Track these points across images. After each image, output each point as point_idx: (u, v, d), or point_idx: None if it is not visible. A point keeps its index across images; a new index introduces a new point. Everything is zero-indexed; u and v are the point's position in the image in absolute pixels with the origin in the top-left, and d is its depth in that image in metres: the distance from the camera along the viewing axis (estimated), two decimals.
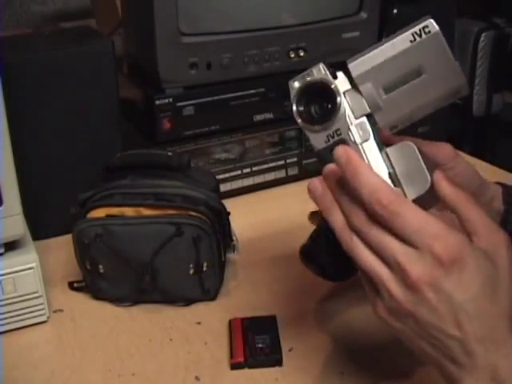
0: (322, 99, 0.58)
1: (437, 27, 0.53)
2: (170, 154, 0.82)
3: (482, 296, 0.49)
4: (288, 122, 1.05)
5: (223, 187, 0.96)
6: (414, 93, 0.54)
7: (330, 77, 0.57)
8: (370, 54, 0.55)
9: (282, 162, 1.07)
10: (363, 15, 1.04)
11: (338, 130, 0.57)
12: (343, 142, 0.56)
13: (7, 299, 0.73)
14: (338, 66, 0.58)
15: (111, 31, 1.09)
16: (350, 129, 0.56)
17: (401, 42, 0.54)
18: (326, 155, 0.57)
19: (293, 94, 0.60)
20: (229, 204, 0.83)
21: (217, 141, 1.01)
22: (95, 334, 0.75)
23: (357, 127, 0.56)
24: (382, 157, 0.55)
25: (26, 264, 0.73)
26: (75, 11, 1.44)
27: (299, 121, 0.59)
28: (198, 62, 0.94)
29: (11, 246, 0.74)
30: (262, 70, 1.00)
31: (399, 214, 0.49)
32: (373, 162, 0.55)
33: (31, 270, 0.74)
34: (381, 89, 0.55)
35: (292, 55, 1.01)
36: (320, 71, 0.58)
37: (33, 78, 0.85)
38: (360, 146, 0.55)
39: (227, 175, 1.03)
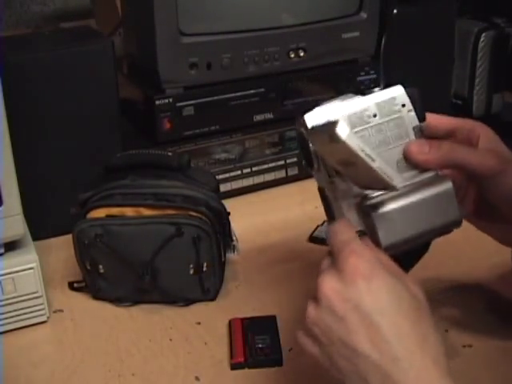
0: (305, 149, 0.59)
1: (341, 136, 0.48)
2: (170, 154, 0.82)
3: (394, 312, 0.48)
4: (288, 122, 1.06)
5: (223, 187, 0.96)
6: (359, 173, 0.53)
7: (308, 132, 0.57)
8: (314, 136, 0.55)
9: (282, 162, 1.07)
10: (363, 15, 1.04)
11: (321, 177, 0.58)
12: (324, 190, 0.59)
13: (7, 299, 0.73)
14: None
15: (111, 31, 1.09)
16: (324, 183, 0.58)
17: (322, 142, 0.51)
18: (321, 194, 0.60)
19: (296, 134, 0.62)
20: (229, 204, 0.83)
21: (217, 141, 1.01)
22: (95, 334, 0.75)
23: (328, 185, 0.57)
24: (351, 215, 0.56)
25: (26, 264, 0.73)
26: (75, 11, 1.44)
27: (303, 160, 0.62)
28: (198, 62, 0.94)
29: (11, 245, 0.74)
30: (261, 70, 1.00)
31: (335, 233, 0.53)
32: (341, 215, 0.57)
33: (31, 270, 0.74)
34: (336, 163, 0.55)
35: (292, 55, 1.01)
36: (303, 124, 0.58)
37: (33, 78, 0.85)
38: (332, 200, 0.58)
39: (227, 175, 1.03)
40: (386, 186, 0.52)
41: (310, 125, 0.55)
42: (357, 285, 0.49)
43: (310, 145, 0.57)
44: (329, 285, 0.50)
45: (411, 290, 0.50)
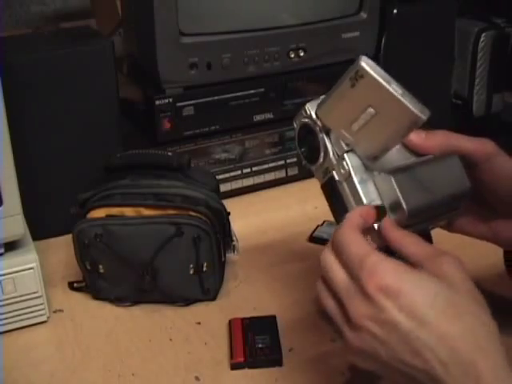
0: (310, 140, 0.61)
1: (368, 70, 0.52)
2: (169, 154, 0.82)
3: (433, 318, 0.47)
4: (288, 121, 1.05)
5: (223, 187, 0.96)
6: (377, 128, 0.54)
7: (314, 117, 0.59)
8: (327, 99, 0.57)
9: (282, 162, 1.07)
10: (363, 15, 1.04)
11: (327, 168, 0.60)
12: (332, 179, 0.59)
13: (7, 299, 0.73)
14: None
15: (111, 31, 1.09)
16: (334, 167, 0.59)
17: (345, 87, 0.54)
18: (326, 190, 0.61)
19: (294, 134, 0.63)
20: (229, 204, 0.83)
21: (217, 141, 1.01)
22: (95, 334, 0.75)
23: (339, 165, 0.58)
24: (365, 186, 0.57)
25: (26, 264, 0.73)
26: (75, 11, 1.44)
27: (302, 159, 0.63)
28: (198, 62, 0.94)
29: (11, 245, 0.74)
30: (261, 70, 1.00)
31: (344, 245, 0.52)
32: (353, 193, 0.57)
33: (31, 270, 0.74)
34: (348, 129, 0.56)
35: (292, 55, 1.01)
36: (307, 113, 0.61)
37: (33, 78, 0.85)
38: (344, 183, 0.58)
39: (227, 175, 1.03)
40: (415, 121, 0.52)
41: (324, 119, 0.58)
42: (387, 306, 0.48)
43: (318, 128, 0.59)
44: (360, 313, 0.50)
45: (443, 280, 0.49)
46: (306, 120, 0.60)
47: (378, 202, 0.56)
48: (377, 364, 0.51)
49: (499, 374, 0.45)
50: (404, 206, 0.55)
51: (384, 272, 0.49)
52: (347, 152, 0.57)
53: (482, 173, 0.62)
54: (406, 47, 1.11)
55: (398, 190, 0.55)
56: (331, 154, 0.59)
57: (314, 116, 0.59)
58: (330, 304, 0.54)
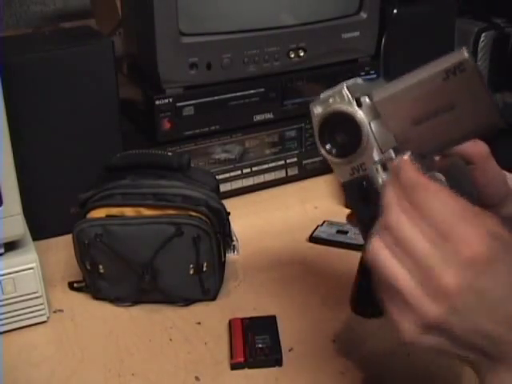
0: (346, 130, 0.53)
1: (473, 62, 0.47)
2: (169, 154, 0.82)
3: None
4: (288, 121, 1.06)
5: (223, 187, 0.96)
6: (444, 126, 0.50)
7: (354, 105, 0.53)
8: (397, 90, 0.51)
9: (282, 162, 1.07)
10: (363, 15, 1.04)
11: (363, 164, 0.54)
12: (368, 177, 0.53)
13: (7, 299, 0.73)
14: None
15: (111, 31, 1.09)
16: (376, 163, 0.53)
17: (432, 78, 0.49)
18: (351, 189, 0.55)
19: (315, 120, 0.55)
20: (229, 204, 0.83)
21: (217, 141, 1.01)
22: (95, 334, 0.75)
23: (383, 161, 0.52)
24: None
25: (26, 264, 0.73)
26: (75, 11, 1.44)
27: (322, 151, 0.56)
28: (198, 62, 0.94)
29: (11, 245, 0.74)
30: (261, 70, 1.00)
31: (428, 201, 0.46)
32: None
33: (31, 270, 0.74)
34: (408, 122, 0.51)
35: (292, 55, 1.01)
36: (343, 98, 0.53)
37: (33, 77, 0.85)
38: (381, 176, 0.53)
39: (227, 175, 1.03)
40: (495, 124, 0.49)
41: (381, 109, 0.51)
42: (483, 272, 0.44)
43: (363, 118, 0.52)
44: (455, 280, 0.44)
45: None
46: (344, 107, 0.53)
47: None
48: (447, 341, 0.46)
49: None
50: None
51: (483, 235, 0.44)
52: (394, 148, 0.52)
53: (478, 173, 0.61)
54: (406, 47, 1.11)
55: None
56: (372, 149, 0.52)
57: (354, 105, 0.52)
58: (400, 272, 0.46)
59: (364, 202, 0.54)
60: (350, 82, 0.55)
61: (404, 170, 0.48)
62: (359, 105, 0.53)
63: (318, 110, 0.55)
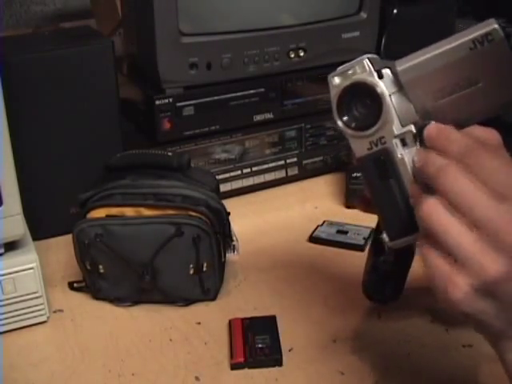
0: (366, 102, 0.52)
1: (502, 34, 0.47)
2: (169, 154, 0.82)
3: None
4: (288, 121, 1.06)
5: (223, 187, 0.96)
6: (468, 101, 0.49)
7: (376, 77, 0.52)
8: (422, 59, 0.50)
9: (282, 162, 1.07)
10: (363, 15, 1.04)
11: (383, 137, 0.52)
12: (387, 151, 0.52)
13: (7, 299, 0.73)
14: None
15: (111, 31, 1.09)
16: (396, 137, 0.52)
17: (459, 48, 0.48)
18: (368, 164, 0.54)
19: (333, 92, 0.54)
20: (229, 204, 0.83)
21: (217, 141, 1.01)
22: (95, 334, 0.75)
23: (403, 135, 0.51)
24: None
25: (26, 264, 0.73)
26: (75, 11, 1.44)
27: (339, 123, 0.54)
28: (198, 62, 0.94)
29: (11, 246, 0.74)
30: (261, 70, 1.00)
31: (487, 162, 0.45)
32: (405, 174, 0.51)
33: (31, 270, 0.74)
34: (431, 95, 0.50)
35: (292, 55, 1.01)
36: (365, 69, 0.52)
37: (33, 77, 0.85)
38: (405, 156, 0.52)
39: (227, 175, 1.03)
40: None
41: (404, 79, 0.50)
42: None
43: (384, 89, 0.51)
44: (496, 267, 0.43)
45: None
46: (366, 78, 0.52)
47: None
48: (495, 310, 0.44)
49: None
50: None
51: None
52: (415, 123, 0.51)
53: None
54: (406, 47, 1.10)
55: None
56: (393, 122, 0.51)
57: (375, 76, 0.51)
58: (459, 228, 0.44)
59: (381, 178, 0.53)
60: (370, 55, 0.54)
61: (446, 134, 0.47)
62: (380, 77, 0.52)
63: (336, 81, 0.55)
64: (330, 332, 0.73)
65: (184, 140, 0.98)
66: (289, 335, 0.72)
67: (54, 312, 0.78)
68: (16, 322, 0.75)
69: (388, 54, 1.10)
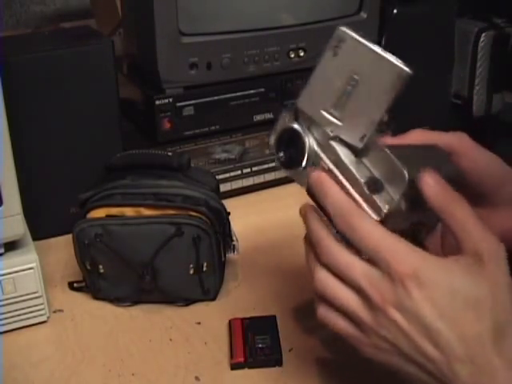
0: (294, 143, 0.60)
1: (349, 32, 0.54)
2: (169, 154, 0.82)
3: (454, 312, 0.47)
4: None
5: (223, 187, 0.96)
6: (362, 96, 0.53)
7: (293, 121, 0.59)
8: (308, 86, 0.56)
9: None
10: (363, 15, 1.04)
11: (313, 163, 0.59)
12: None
13: (7, 299, 0.73)
14: None
15: (111, 31, 1.09)
16: (321, 158, 0.58)
17: (327, 60, 0.55)
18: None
19: (271, 149, 0.64)
20: (229, 204, 0.83)
21: (217, 141, 1.01)
22: (95, 334, 0.75)
23: (326, 154, 0.57)
24: (358, 167, 0.55)
25: (26, 264, 0.73)
26: (75, 11, 1.45)
27: (283, 170, 0.63)
28: (198, 62, 0.94)
29: (11, 246, 0.74)
30: (261, 70, 1.00)
31: (356, 229, 0.50)
32: (348, 177, 0.55)
33: (31, 270, 0.74)
34: (332, 109, 0.55)
35: (292, 55, 1.01)
36: (284, 120, 0.61)
37: (33, 77, 0.85)
38: (334, 169, 0.56)
39: (227, 175, 1.03)
40: (399, 73, 0.51)
41: (305, 108, 0.57)
42: (413, 293, 0.47)
43: (300, 126, 0.59)
44: (385, 299, 0.48)
45: (466, 274, 0.48)
46: (287, 124, 0.61)
47: (368, 177, 0.54)
48: (395, 357, 0.50)
49: None
50: (404, 171, 0.52)
51: (412, 258, 0.48)
52: (332, 139, 0.56)
53: (468, 164, 0.61)
54: (406, 47, 1.11)
55: (393, 157, 0.53)
56: (315, 147, 0.58)
57: (292, 121, 0.59)
58: (346, 294, 0.51)
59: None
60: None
61: (325, 190, 0.57)
62: (297, 119, 0.59)
63: (271, 140, 0.64)
64: (330, 332, 0.73)
65: (184, 140, 0.98)
66: (289, 335, 0.72)
67: (54, 312, 0.78)
68: (16, 321, 0.75)
69: None
